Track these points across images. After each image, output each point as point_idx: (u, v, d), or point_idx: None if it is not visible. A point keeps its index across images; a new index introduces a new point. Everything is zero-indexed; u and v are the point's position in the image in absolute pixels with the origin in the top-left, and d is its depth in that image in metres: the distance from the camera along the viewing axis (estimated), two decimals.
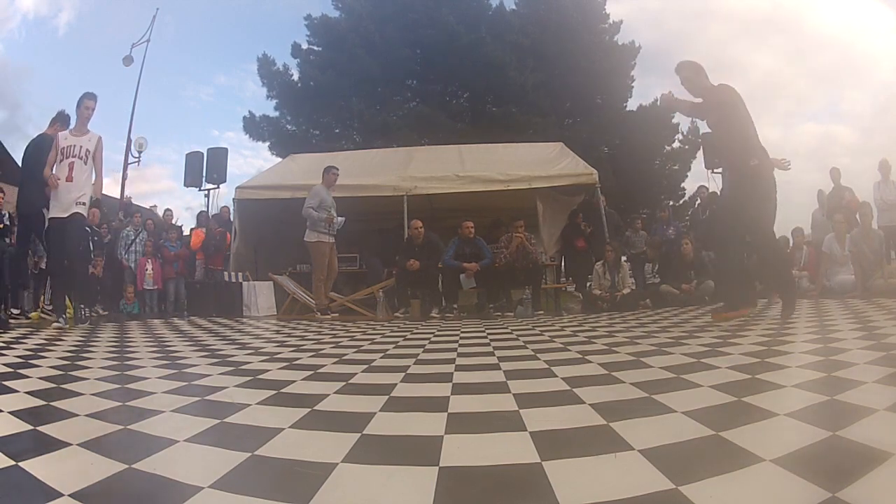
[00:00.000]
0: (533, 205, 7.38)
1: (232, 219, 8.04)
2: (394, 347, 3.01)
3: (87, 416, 1.47)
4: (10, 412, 1.49)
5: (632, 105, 17.51)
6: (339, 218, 6.09)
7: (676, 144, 17.42)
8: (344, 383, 1.91)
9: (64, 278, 4.85)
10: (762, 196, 3.58)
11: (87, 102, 4.67)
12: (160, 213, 10.78)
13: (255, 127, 16.81)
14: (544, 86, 15.88)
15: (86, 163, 4.59)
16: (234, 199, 7.82)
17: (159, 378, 2.07)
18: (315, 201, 5.98)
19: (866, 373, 1.67)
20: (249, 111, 17.17)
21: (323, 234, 5.99)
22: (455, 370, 2.15)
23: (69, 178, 4.49)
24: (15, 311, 4.90)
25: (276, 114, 16.95)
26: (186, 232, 8.74)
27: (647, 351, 2.43)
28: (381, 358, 2.57)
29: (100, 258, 7.28)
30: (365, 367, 2.29)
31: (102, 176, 4.82)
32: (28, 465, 1.06)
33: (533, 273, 6.10)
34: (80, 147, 4.58)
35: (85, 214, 4.72)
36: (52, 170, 4.47)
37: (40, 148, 4.72)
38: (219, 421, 1.40)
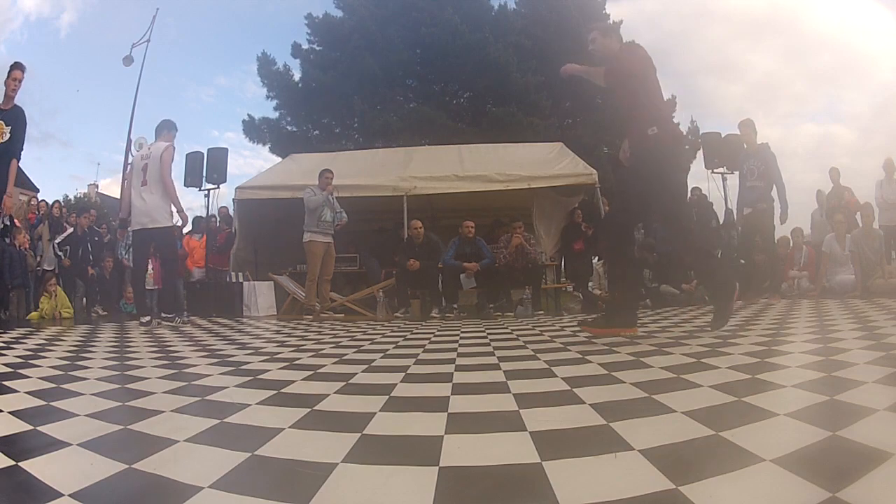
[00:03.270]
0: (534, 205, 7.38)
1: (232, 219, 8.05)
2: (394, 347, 3.01)
3: (87, 416, 1.47)
4: (10, 412, 1.49)
5: None
6: (332, 209, 6.12)
7: None
8: (344, 383, 1.91)
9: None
10: (663, 171, 2.99)
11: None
12: None
13: (254, 129, 16.80)
14: (545, 86, 15.86)
15: None
16: (234, 199, 7.83)
17: (159, 378, 2.07)
18: (309, 193, 6.04)
19: (866, 373, 1.67)
20: (249, 114, 17.18)
21: (316, 234, 6.00)
22: (455, 370, 2.15)
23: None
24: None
25: (276, 115, 16.96)
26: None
27: (647, 351, 2.43)
28: (381, 358, 2.57)
29: (109, 258, 7.35)
30: (365, 367, 2.29)
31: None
32: (28, 465, 1.06)
33: (533, 273, 6.10)
34: None
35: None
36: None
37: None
38: (219, 421, 1.40)
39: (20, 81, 4.59)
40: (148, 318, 5.03)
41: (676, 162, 3.14)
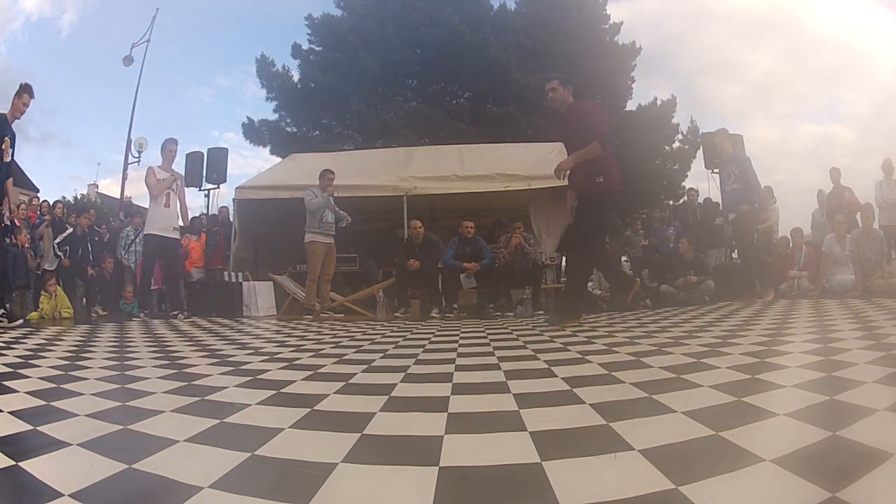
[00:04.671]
0: (533, 205, 7.38)
1: (232, 219, 8.05)
2: (394, 347, 3.00)
3: (87, 416, 1.47)
4: (10, 412, 1.49)
5: (632, 105, 17.51)
6: (334, 213, 6.13)
7: (676, 144, 17.43)
8: (344, 383, 1.91)
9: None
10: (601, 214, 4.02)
11: (171, 146, 5.99)
12: None
13: (254, 132, 16.80)
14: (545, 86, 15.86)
15: (176, 194, 5.97)
16: (234, 199, 7.82)
17: (159, 378, 2.07)
18: (310, 195, 6.03)
19: (866, 373, 1.67)
20: (248, 117, 17.19)
21: (318, 235, 6.00)
22: (455, 370, 2.15)
23: (167, 206, 5.83)
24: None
25: (276, 116, 16.96)
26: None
27: (647, 351, 2.43)
28: (381, 358, 2.57)
29: (110, 259, 7.36)
30: (365, 367, 2.29)
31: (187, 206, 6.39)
32: (28, 465, 1.06)
33: (533, 273, 6.10)
34: (173, 180, 5.91)
35: (179, 237, 6.25)
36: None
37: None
38: (219, 421, 1.40)
39: (27, 106, 4.68)
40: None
41: (614, 204, 4.09)
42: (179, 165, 7.19)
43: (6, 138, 4.54)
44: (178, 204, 6.04)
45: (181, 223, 6.28)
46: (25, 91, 4.58)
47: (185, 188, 6.45)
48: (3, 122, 4.52)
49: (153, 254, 6.17)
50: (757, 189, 5.78)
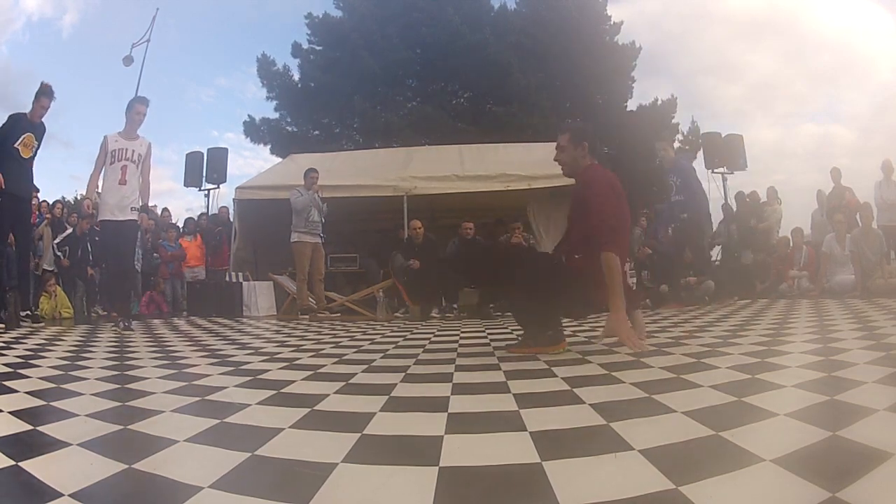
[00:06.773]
0: (533, 205, 7.39)
1: (232, 219, 8.05)
2: (394, 347, 3.00)
3: (87, 416, 1.47)
4: (10, 412, 1.49)
5: (632, 105, 17.54)
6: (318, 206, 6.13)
7: (677, 145, 17.43)
8: (344, 383, 1.91)
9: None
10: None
11: (138, 107, 4.68)
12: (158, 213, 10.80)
13: (255, 130, 16.82)
14: (545, 86, 15.89)
15: (137, 167, 4.62)
16: (234, 199, 7.83)
17: (159, 378, 2.07)
18: (296, 194, 6.06)
19: (866, 373, 1.67)
20: (249, 115, 17.19)
21: (304, 234, 6.01)
22: (455, 370, 2.15)
23: (122, 182, 4.51)
24: (23, 313, 5.00)
25: (276, 115, 16.98)
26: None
27: (647, 351, 2.43)
28: (381, 358, 2.57)
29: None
30: (365, 367, 2.29)
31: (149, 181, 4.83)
32: (28, 465, 1.06)
33: None
34: (133, 151, 4.58)
35: (137, 219, 4.79)
36: (100, 173, 4.58)
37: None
38: (219, 421, 1.40)
39: (46, 109, 4.70)
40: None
41: None
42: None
43: (26, 135, 4.56)
44: (139, 179, 4.67)
45: (140, 202, 4.76)
46: (43, 94, 4.64)
47: (151, 160, 4.81)
48: (23, 120, 4.59)
49: (107, 243, 4.96)
50: (702, 199, 5.76)
